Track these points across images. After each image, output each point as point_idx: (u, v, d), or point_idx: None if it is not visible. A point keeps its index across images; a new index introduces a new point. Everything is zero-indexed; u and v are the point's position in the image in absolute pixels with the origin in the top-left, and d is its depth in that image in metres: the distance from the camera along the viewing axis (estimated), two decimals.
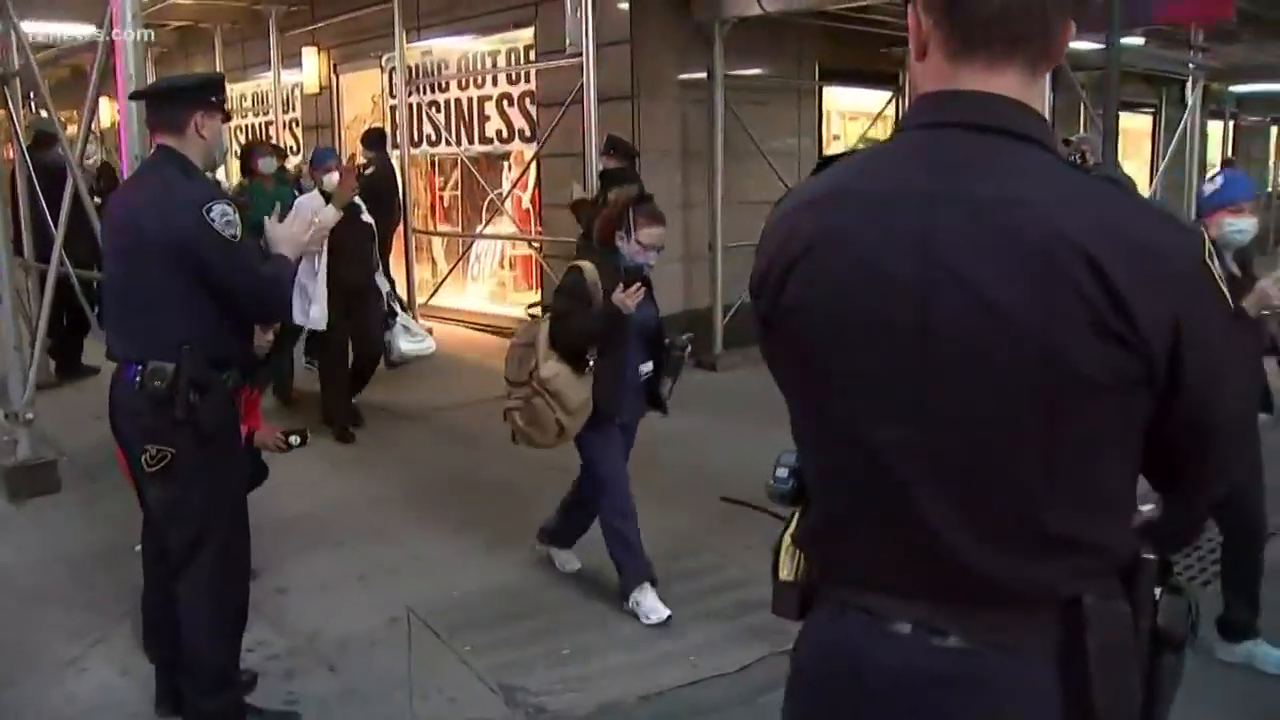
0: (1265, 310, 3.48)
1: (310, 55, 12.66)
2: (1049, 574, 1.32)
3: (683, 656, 4.07)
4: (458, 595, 4.59)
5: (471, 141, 10.89)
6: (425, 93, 11.32)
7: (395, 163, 10.29)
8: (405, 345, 7.06)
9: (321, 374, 7.35)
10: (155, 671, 3.65)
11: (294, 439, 4.42)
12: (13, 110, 7.55)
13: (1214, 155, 16.92)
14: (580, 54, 8.35)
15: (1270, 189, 20.14)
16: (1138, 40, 9.85)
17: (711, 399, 8.06)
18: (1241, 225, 3.79)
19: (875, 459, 1.36)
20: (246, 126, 14.80)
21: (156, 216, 3.22)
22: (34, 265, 7.55)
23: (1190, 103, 12.04)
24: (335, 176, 6.82)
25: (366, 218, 7.08)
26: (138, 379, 3.20)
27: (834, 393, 1.40)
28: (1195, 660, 1.49)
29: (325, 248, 6.40)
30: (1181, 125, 12.22)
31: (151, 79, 5.13)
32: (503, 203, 10.47)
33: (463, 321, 10.92)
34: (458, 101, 11.04)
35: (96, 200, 6.61)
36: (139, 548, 3.78)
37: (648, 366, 4.49)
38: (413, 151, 11.31)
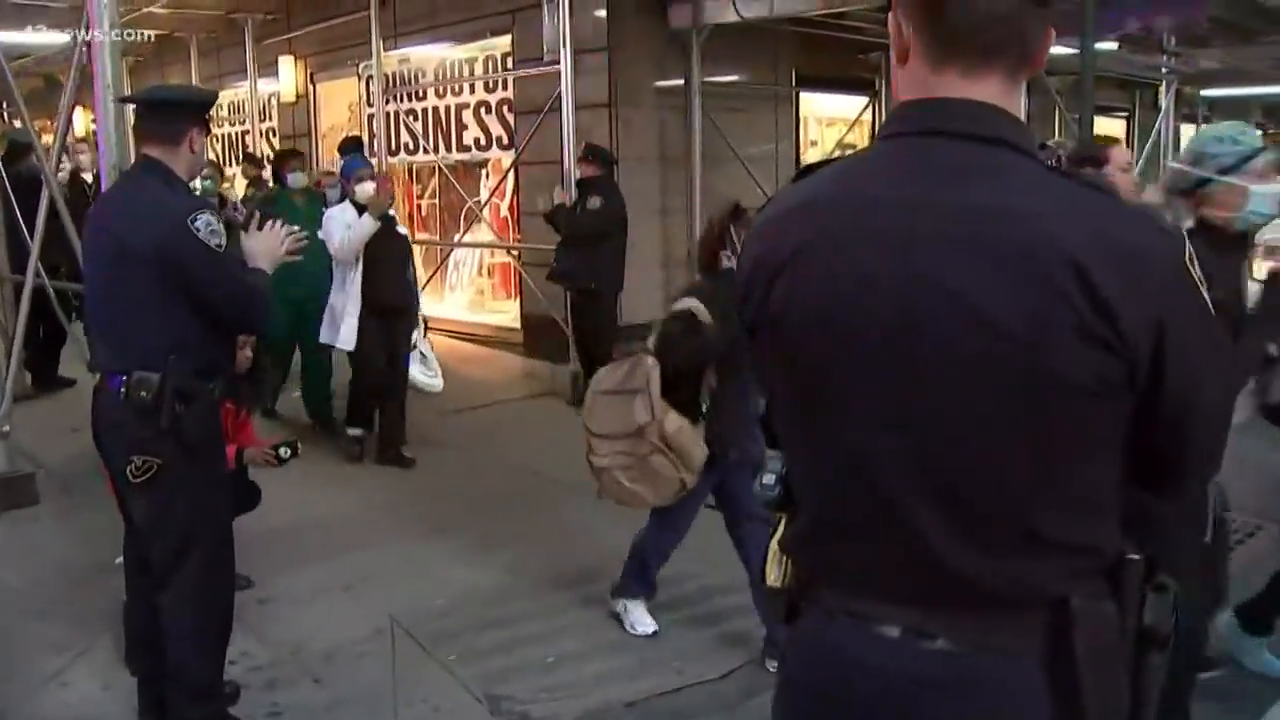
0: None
1: (287, 64, 12.61)
2: (1036, 576, 1.33)
3: (667, 663, 4.07)
4: (441, 604, 4.58)
5: (449, 149, 10.86)
6: (402, 101, 11.29)
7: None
8: (417, 375, 6.80)
9: (350, 398, 6.95)
10: (138, 684, 3.63)
11: (284, 451, 4.39)
12: None
13: None
14: (558, 61, 8.35)
15: None
16: (1111, 45, 9.91)
17: None
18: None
19: (861, 464, 1.37)
20: (223, 135, 14.73)
21: (141, 226, 3.21)
22: (9, 277, 7.49)
23: (1163, 107, 12.14)
24: (369, 186, 6.56)
25: (402, 229, 6.80)
26: (123, 389, 3.19)
27: (819, 399, 1.41)
28: None
29: (360, 263, 6.36)
30: (1155, 129, 12.32)
31: (128, 88, 5.10)
32: (481, 211, 10.46)
33: (442, 330, 10.89)
34: (435, 109, 11.01)
35: None
36: (120, 560, 3.76)
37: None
38: (390, 160, 11.28)
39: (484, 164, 10.89)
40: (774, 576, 1.58)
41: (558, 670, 4.03)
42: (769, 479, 1.58)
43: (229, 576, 3.59)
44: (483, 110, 10.44)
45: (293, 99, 12.84)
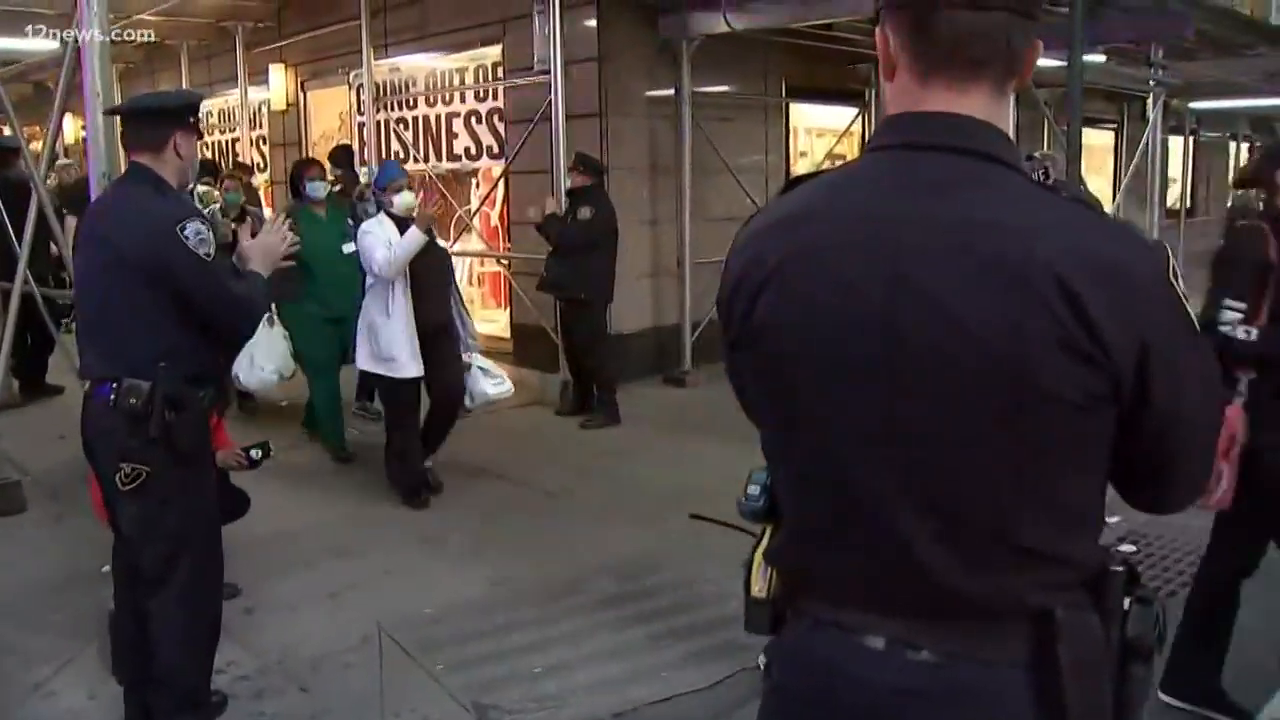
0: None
1: (278, 72, 12.61)
2: (1019, 587, 1.34)
3: (655, 673, 4.07)
4: (429, 613, 4.57)
5: (440, 158, 10.87)
6: (393, 110, 11.30)
7: (364, 179, 10.23)
8: (488, 388, 6.30)
9: (388, 426, 6.34)
10: (124, 693, 3.61)
11: (255, 453, 4.39)
12: None
13: (1175, 170, 17.16)
14: (548, 71, 8.37)
15: (1230, 203, 20.44)
16: (1099, 58, 9.97)
17: (680, 415, 8.10)
18: None
19: (846, 476, 1.38)
20: (213, 143, 14.71)
21: (130, 234, 3.21)
22: None
23: (1151, 119, 12.19)
24: (409, 196, 6.05)
25: (442, 242, 6.17)
26: (112, 397, 3.19)
27: (804, 411, 1.42)
28: None
29: (408, 279, 5.83)
30: (1143, 141, 12.37)
31: (118, 95, 5.10)
32: (471, 220, 10.46)
33: None
34: (426, 118, 11.02)
35: None
36: (107, 569, 3.75)
37: None
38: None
39: (474, 173, 10.90)
40: (759, 587, 1.58)
41: (545, 680, 4.02)
42: (754, 490, 1.58)
43: (218, 584, 3.58)
44: (473, 119, 10.46)
45: (283, 107, 12.84)
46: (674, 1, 8.84)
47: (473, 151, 10.50)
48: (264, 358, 6.54)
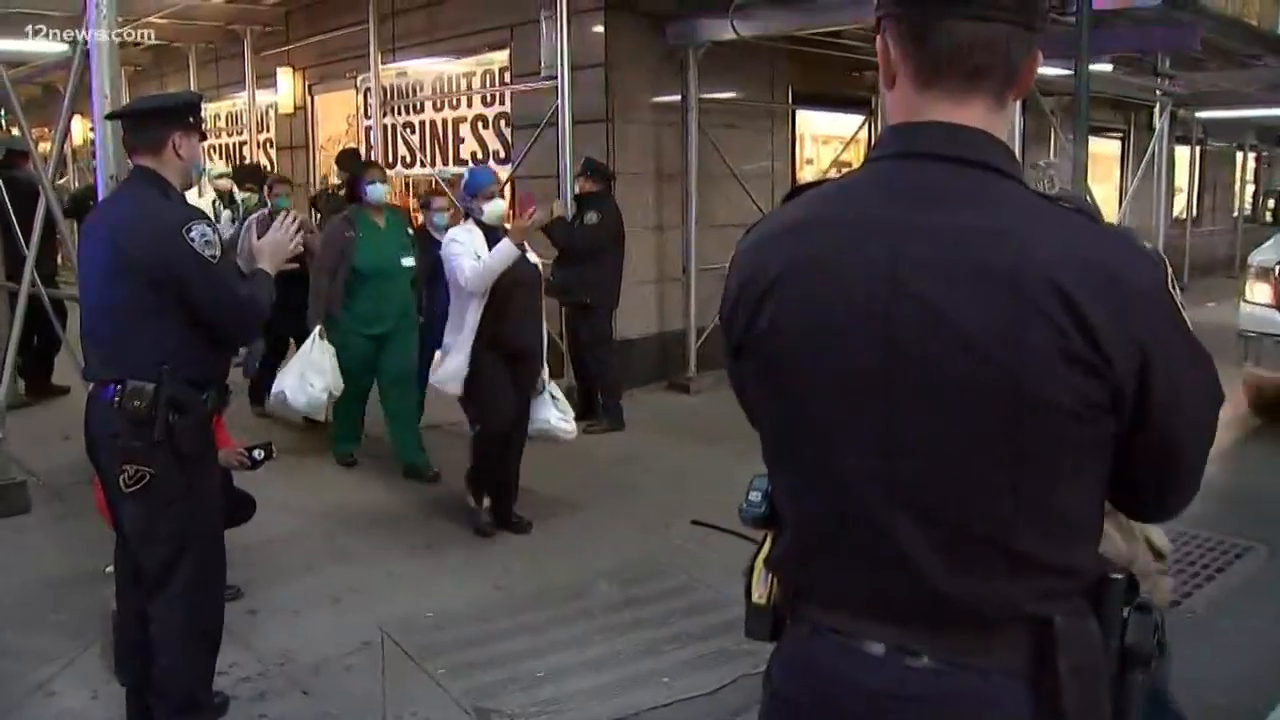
0: None
1: (285, 75, 12.65)
2: (1018, 594, 1.34)
3: (656, 678, 4.07)
4: (431, 617, 4.57)
5: (446, 163, 10.89)
6: (400, 114, 11.33)
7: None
8: (551, 416, 5.75)
9: (479, 460, 5.69)
10: (126, 694, 3.62)
11: (258, 453, 4.39)
12: None
13: (1181, 180, 17.17)
14: (555, 76, 8.38)
15: (1236, 213, 20.44)
16: (1106, 67, 9.98)
17: (684, 422, 8.11)
18: None
19: (846, 483, 1.38)
20: (221, 146, 14.76)
21: (135, 237, 3.22)
22: (3, 284, 7.49)
23: (1158, 128, 12.20)
24: (500, 204, 5.64)
25: (533, 258, 5.56)
26: (116, 399, 3.20)
27: (805, 419, 1.42)
28: None
29: (486, 295, 5.29)
30: (1150, 150, 12.37)
31: (126, 97, 5.11)
32: None
33: None
34: (432, 123, 11.05)
35: None
36: (110, 569, 3.75)
37: None
38: (387, 173, 11.30)
39: None
40: (759, 593, 1.59)
41: (547, 685, 4.02)
42: (755, 496, 1.59)
43: (220, 586, 3.59)
44: (480, 124, 10.48)
45: (290, 110, 12.88)
46: (681, 8, 8.85)
47: (479, 156, 10.52)
48: (315, 374, 6.15)
